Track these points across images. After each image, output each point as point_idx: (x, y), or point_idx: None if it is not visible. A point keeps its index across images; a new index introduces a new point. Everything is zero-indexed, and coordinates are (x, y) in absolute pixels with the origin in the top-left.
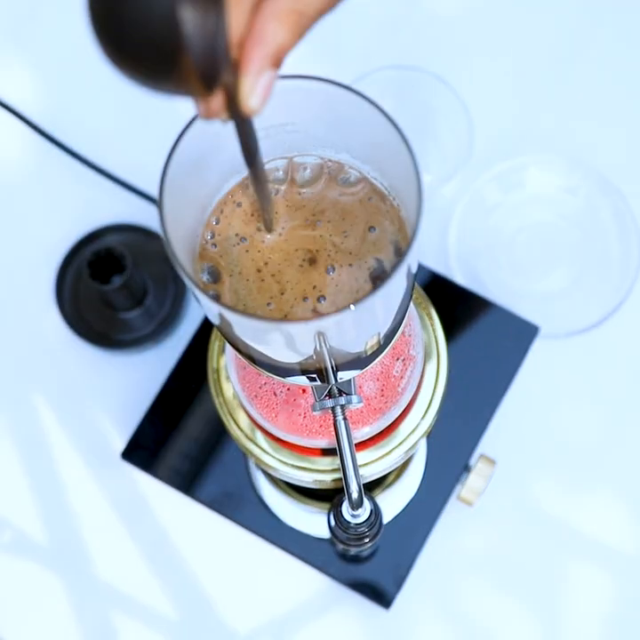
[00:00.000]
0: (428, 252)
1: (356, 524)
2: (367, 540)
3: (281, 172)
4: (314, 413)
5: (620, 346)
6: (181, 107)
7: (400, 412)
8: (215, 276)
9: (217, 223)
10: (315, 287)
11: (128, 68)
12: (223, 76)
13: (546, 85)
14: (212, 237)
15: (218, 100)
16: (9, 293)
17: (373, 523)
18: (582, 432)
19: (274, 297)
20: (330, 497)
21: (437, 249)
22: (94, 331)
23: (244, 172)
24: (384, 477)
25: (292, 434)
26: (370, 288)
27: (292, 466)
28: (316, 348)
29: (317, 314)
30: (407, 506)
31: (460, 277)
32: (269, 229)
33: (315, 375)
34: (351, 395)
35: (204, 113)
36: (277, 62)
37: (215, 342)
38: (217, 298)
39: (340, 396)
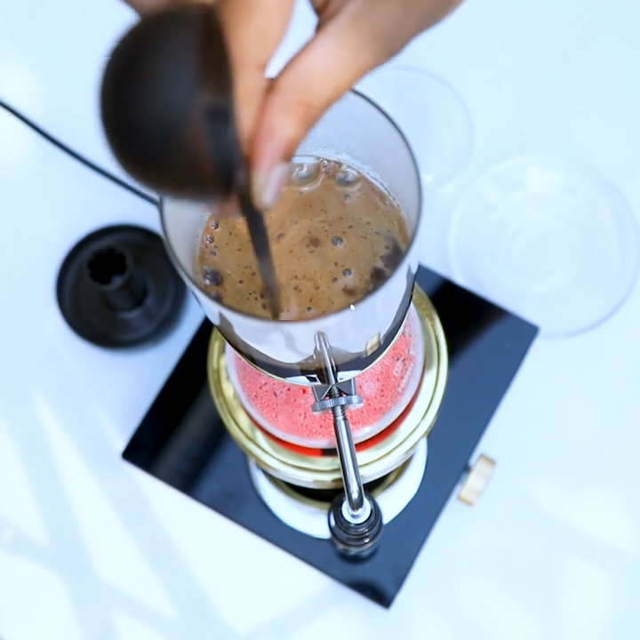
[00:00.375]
0: (427, 252)
1: (357, 524)
2: (367, 540)
3: (305, 170)
4: (314, 413)
5: (620, 346)
6: None
7: (400, 412)
8: (217, 279)
9: (216, 228)
10: (336, 263)
11: (145, 181)
12: (237, 175)
13: (546, 85)
14: (211, 242)
15: (233, 199)
16: (9, 293)
17: (373, 523)
18: (582, 432)
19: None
20: (330, 497)
21: (437, 249)
22: (94, 331)
23: None
24: (384, 477)
25: (293, 434)
26: (386, 254)
27: (293, 466)
28: (316, 348)
29: (348, 291)
30: (407, 506)
31: (460, 277)
32: (276, 315)
33: (315, 375)
34: (351, 395)
35: (219, 214)
36: (288, 156)
37: (215, 342)
38: (218, 299)
39: (341, 396)
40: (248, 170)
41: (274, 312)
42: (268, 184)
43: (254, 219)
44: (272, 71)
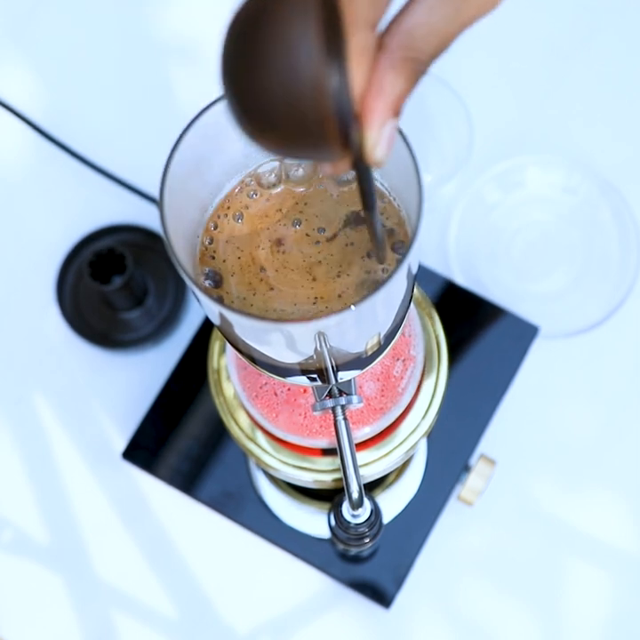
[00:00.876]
0: (428, 252)
1: (357, 524)
2: (367, 540)
3: (273, 176)
4: (314, 413)
5: (620, 346)
6: (182, 107)
7: (400, 412)
8: (217, 281)
9: (215, 229)
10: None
11: (271, 139)
12: (351, 133)
13: (546, 85)
14: (211, 243)
15: (346, 157)
16: (10, 293)
17: (373, 522)
18: (582, 432)
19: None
20: (330, 497)
21: (437, 249)
22: (95, 331)
23: (243, 172)
24: (384, 477)
25: (293, 434)
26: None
27: (293, 466)
28: (316, 348)
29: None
30: (407, 506)
31: (460, 277)
32: (382, 262)
33: (315, 375)
34: (351, 395)
35: (332, 171)
36: (398, 111)
37: (215, 342)
38: (219, 300)
39: (341, 396)
40: (360, 127)
41: (380, 260)
42: (380, 140)
43: (366, 174)
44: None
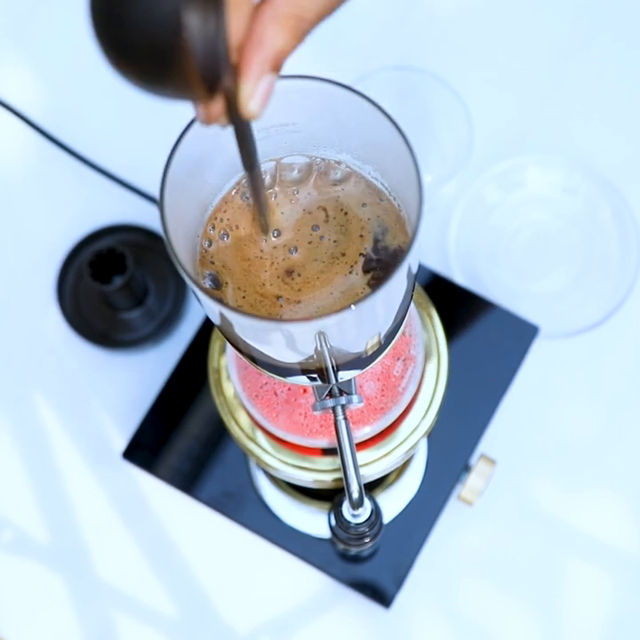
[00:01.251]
0: (428, 252)
1: (357, 524)
2: (367, 540)
3: (268, 176)
4: (314, 413)
5: (620, 346)
6: (182, 107)
7: (400, 411)
8: (217, 283)
9: (214, 229)
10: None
11: (130, 71)
12: (224, 80)
13: (546, 85)
14: (209, 245)
15: (218, 104)
16: (10, 293)
17: (374, 522)
18: (582, 432)
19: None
20: (330, 497)
21: (437, 249)
22: (95, 331)
23: (241, 172)
24: (384, 477)
25: (293, 434)
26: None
27: (293, 466)
28: (316, 347)
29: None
30: (407, 506)
31: (460, 277)
32: (266, 232)
33: (315, 375)
34: (352, 394)
35: (204, 117)
36: (277, 67)
37: (216, 342)
38: (219, 300)
39: (341, 395)
40: (236, 77)
41: (262, 228)
42: (255, 92)
43: (241, 127)
44: None
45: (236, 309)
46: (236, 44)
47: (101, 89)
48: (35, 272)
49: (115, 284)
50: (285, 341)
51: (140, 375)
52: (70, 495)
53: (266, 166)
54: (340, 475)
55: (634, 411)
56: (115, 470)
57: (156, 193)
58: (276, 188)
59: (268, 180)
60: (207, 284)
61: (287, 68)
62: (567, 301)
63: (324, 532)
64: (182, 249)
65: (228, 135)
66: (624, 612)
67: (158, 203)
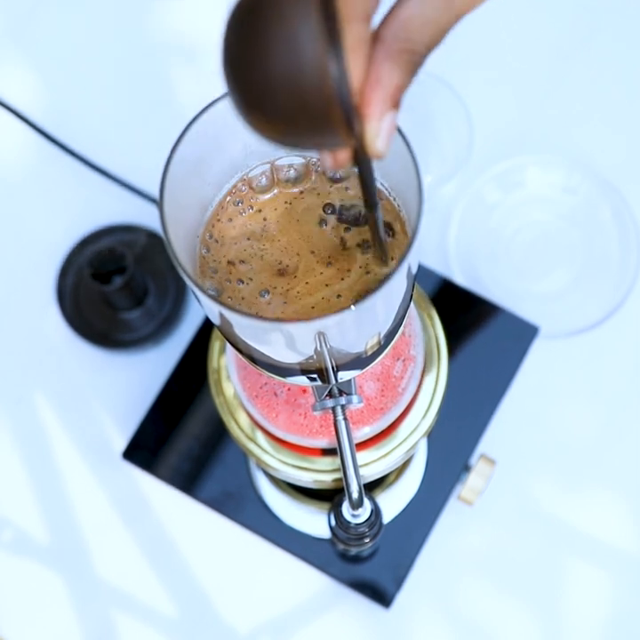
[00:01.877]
0: (428, 252)
1: (357, 524)
2: (367, 540)
3: (264, 179)
4: (314, 413)
5: (620, 346)
6: (182, 107)
7: (400, 412)
8: (218, 291)
9: (210, 238)
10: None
11: (276, 127)
12: (353, 125)
13: (546, 85)
14: (207, 251)
15: (346, 149)
16: (10, 293)
17: (374, 522)
18: (582, 432)
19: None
20: (330, 497)
21: (437, 249)
22: (95, 331)
23: (240, 173)
24: (384, 477)
25: (293, 434)
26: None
27: (293, 466)
28: (316, 348)
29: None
30: (407, 506)
31: (460, 277)
32: (386, 264)
33: (315, 375)
34: (351, 395)
35: (332, 164)
36: (396, 103)
37: (215, 342)
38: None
39: (341, 395)
40: (360, 119)
41: (384, 258)
42: (380, 132)
43: (366, 167)
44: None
45: (236, 309)
46: (357, 87)
47: (101, 89)
48: (35, 272)
49: (115, 284)
50: (285, 341)
51: (140, 375)
52: (70, 495)
53: (263, 168)
54: (339, 475)
55: (634, 411)
56: (115, 470)
57: (155, 193)
58: (275, 191)
59: (264, 181)
60: (211, 292)
61: None
62: (567, 301)
63: (324, 532)
64: (182, 249)
65: (227, 135)
66: (624, 612)
67: (158, 203)
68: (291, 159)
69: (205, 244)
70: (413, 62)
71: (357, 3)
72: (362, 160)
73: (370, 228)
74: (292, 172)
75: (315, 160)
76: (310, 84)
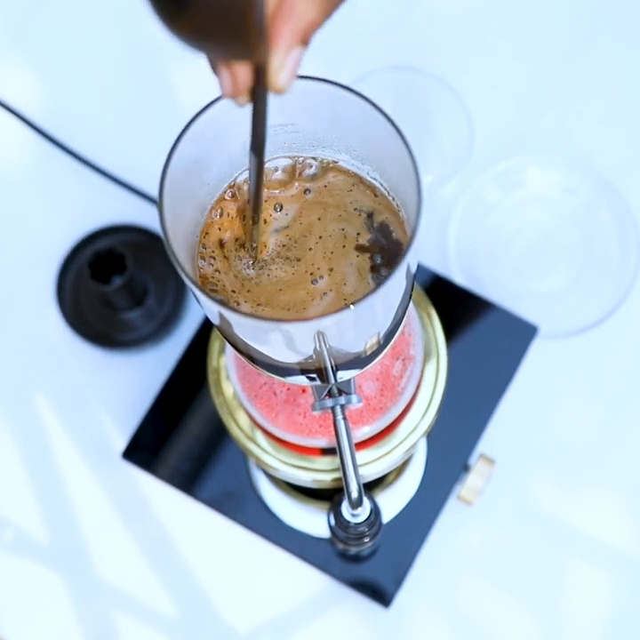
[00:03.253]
0: (427, 252)
1: (356, 524)
2: (367, 540)
3: (280, 171)
4: (314, 413)
5: (620, 346)
6: (182, 107)
7: (400, 411)
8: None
9: (207, 237)
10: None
11: (193, 30)
12: (260, 48)
13: (546, 85)
14: (205, 249)
15: (245, 75)
16: (9, 293)
17: (373, 522)
18: (582, 432)
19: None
20: (330, 497)
21: (437, 249)
22: (95, 331)
23: (241, 170)
24: (384, 477)
25: (292, 433)
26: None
27: (292, 465)
28: (315, 347)
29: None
30: (407, 505)
31: (459, 277)
32: (255, 223)
33: (314, 375)
34: (351, 394)
35: (230, 90)
36: (306, 40)
37: (215, 342)
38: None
39: (340, 395)
40: (267, 48)
41: (254, 221)
42: (284, 64)
43: (262, 105)
44: None
45: (236, 309)
46: (270, 14)
47: (101, 89)
48: (34, 272)
49: (114, 284)
50: (284, 341)
51: (140, 375)
52: (70, 495)
53: (281, 162)
54: (339, 474)
55: (634, 411)
56: (115, 470)
57: (155, 193)
58: (275, 191)
59: (279, 175)
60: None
61: None
62: (567, 301)
63: (324, 532)
64: (181, 249)
65: (226, 135)
66: (624, 612)
67: (157, 203)
68: (276, 161)
69: (200, 253)
70: (330, 3)
71: None
72: (259, 95)
73: (250, 178)
74: (279, 173)
75: (301, 160)
76: None
